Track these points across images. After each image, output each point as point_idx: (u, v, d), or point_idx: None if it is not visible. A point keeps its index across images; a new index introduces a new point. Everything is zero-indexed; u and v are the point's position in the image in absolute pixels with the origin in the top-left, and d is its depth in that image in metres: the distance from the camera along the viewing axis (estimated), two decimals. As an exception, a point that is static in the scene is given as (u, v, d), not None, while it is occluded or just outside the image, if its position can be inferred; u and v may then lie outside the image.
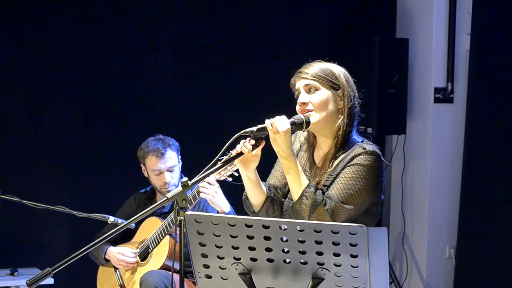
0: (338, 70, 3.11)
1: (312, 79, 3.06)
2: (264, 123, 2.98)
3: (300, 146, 3.22)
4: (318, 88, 3.06)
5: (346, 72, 3.13)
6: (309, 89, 3.07)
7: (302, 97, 3.07)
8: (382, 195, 3.11)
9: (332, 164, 3.05)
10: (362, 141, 3.09)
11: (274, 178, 3.21)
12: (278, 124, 2.95)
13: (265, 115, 3.04)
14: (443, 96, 6.09)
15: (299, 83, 3.10)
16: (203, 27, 5.88)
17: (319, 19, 6.16)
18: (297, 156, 3.18)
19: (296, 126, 3.02)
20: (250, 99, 5.93)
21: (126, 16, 5.70)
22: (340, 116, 3.06)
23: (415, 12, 6.20)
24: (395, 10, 6.27)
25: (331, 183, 3.01)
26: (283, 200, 3.14)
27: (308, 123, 3.04)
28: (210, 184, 4.20)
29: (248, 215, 3.10)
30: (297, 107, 3.09)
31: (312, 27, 6.13)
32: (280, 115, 2.98)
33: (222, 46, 5.95)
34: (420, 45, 6.13)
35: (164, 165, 4.60)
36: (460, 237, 5.87)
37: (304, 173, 3.08)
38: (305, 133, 3.19)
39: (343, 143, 3.05)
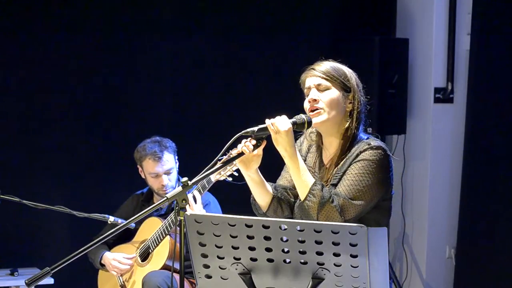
0: (350, 73, 3.09)
1: (324, 78, 3.04)
2: (264, 123, 2.97)
3: (310, 146, 3.20)
4: (329, 87, 3.03)
5: (356, 76, 3.11)
6: (319, 88, 3.04)
7: (313, 94, 3.04)
8: (392, 190, 3.09)
9: (338, 163, 3.04)
10: (367, 138, 3.07)
11: (283, 179, 3.19)
12: (279, 124, 2.94)
13: (265, 115, 3.03)
14: (443, 96, 6.08)
15: (310, 80, 3.06)
16: (203, 27, 5.88)
17: (319, 19, 6.16)
18: (306, 155, 3.17)
19: (298, 126, 3.00)
20: (250, 99, 5.93)
21: (127, 17, 5.69)
22: (348, 119, 3.04)
23: (415, 12, 6.20)
24: (395, 10, 6.27)
25: (338, 182, 3.00)
26: (292, 200, 3.12)
27: (309, 123, 3.02)
28: (194, 202, 4.22)
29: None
30: (305, 104, 3.05)
31: (312, 27, 6.13)
32: (280, 115, 2.98)
33: (222, 46, 5.94)
34: (420, 45, 6.13)
35: (162, 169, 4.60)
36: (460, 237, 5.87)
37: (313, 174, 3.07)
38: (314, 133, 3.16)
39: (350, 145, 3.03)
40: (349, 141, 3.04)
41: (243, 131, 2.95)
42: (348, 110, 3.05)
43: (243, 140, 2.98)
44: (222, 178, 4.06)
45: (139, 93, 5.76)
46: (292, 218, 3.09)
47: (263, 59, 6.04)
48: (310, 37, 6.12)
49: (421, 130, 6.17)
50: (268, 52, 6.06)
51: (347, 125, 3.04)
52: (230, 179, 3.99)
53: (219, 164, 2.94)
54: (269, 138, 2.98)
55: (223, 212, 4.50)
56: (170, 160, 4.61)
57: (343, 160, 3.03)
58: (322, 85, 3.04)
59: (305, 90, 3.09)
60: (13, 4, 5.43)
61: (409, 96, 6.12)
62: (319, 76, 3.04)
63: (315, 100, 3.03)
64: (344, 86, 3.05)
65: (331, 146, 3.10)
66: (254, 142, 2.97)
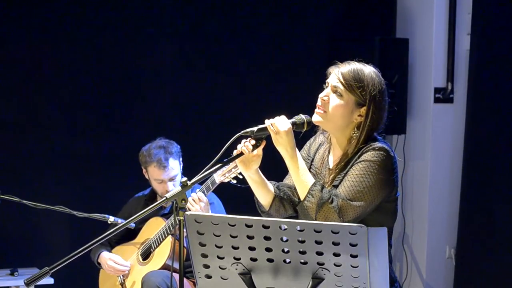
0: (372, 85, 2.98)
1: (342, 83, 2.97)
2: (264, 123, 2.97)
3: (321, 144, 3.18)
4: (342, 94, 2.97)
5: (384, 89, 3.01)
6: (335, 91, 3.00)
7: (326, 92, 3.01)
8: (397, 192, 3.06)
9: (342, 165, 3.01)
10: (373, 139, 3.03)
11: (290, 177, 3.17)
12: (278, 124, 2.93)
13: (265, 115, 3.03)
14: (443, 96, 6.08)
15: (331, 77, 3.01)
16: (205, 27, 5.88)
17: (319, 19, 6.16)
18: (315, 154, 3.16)
19: (297, 126, 2.99)
20: (250, 99, 5.93)
21: (127, 15, 5.70)
22: (356, 130, 3.00)
23: (415, 12, 6.20)
24: (395, 10, 6.27)
25: (339, 183, 2.98)
26: (296, 200, 3.10)
27: (309, 123, 3.01)
28: (199, 200, 4.20)
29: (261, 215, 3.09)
30: (319, 97, 3.03)
31: (312, 27, 6.13)
32: (279, 115, 2.97)
33: (223, 46, 5.94)
34: (420, 45, 6.12)
35: (167, 176, 4.59)
36: (460, 237, 5.87)
37: (319, 175, 3.07)
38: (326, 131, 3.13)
39: (355, 151, 3.00)
40: (354, 147, 3.00)
41: (242, 131, 2.94)
42: (356, 122, 3.00)
43: (243, 140, 2.98)
44: (226, 180, 4.05)
45: (140, 93, 5.76)
46: (296, 217, 3.08)
47: (263, 59, 6.04)
48: (310, 37, 6.12)
49: (421, 130, 6.17)
50: (268, 52, 6.06)
51: (352, 134, 3.01)
52: (235, 181, 3.98)
53: (219, 164, 2.93)
54: (268, 138, 2.98)
55: (227, 213, 4.50)
56: (175, 168, 4.61)
57: (346, 162, 3.01)
58: (338, 90, 2.99)
59: (326, 82, 3.05)
60: (16, 2, 5.45)
61: (409, 96, 6.11)
62: (338, 78, 2.99)
63: (323, 99, 3.00)
64: (359, 99, 2.98)
65: (337, 147, 3.08)
66: (253, 142, 2.96)
